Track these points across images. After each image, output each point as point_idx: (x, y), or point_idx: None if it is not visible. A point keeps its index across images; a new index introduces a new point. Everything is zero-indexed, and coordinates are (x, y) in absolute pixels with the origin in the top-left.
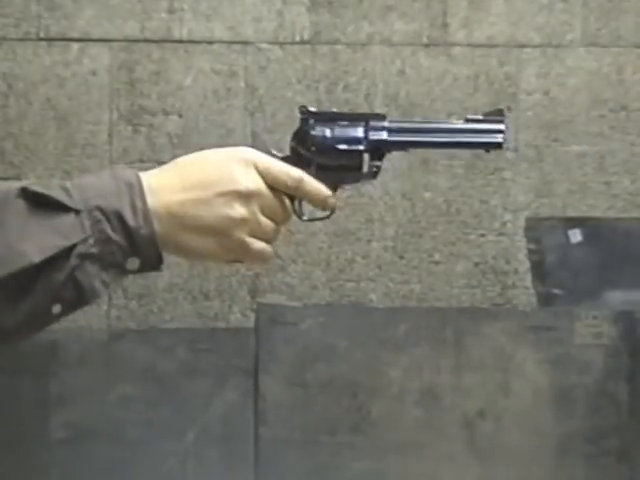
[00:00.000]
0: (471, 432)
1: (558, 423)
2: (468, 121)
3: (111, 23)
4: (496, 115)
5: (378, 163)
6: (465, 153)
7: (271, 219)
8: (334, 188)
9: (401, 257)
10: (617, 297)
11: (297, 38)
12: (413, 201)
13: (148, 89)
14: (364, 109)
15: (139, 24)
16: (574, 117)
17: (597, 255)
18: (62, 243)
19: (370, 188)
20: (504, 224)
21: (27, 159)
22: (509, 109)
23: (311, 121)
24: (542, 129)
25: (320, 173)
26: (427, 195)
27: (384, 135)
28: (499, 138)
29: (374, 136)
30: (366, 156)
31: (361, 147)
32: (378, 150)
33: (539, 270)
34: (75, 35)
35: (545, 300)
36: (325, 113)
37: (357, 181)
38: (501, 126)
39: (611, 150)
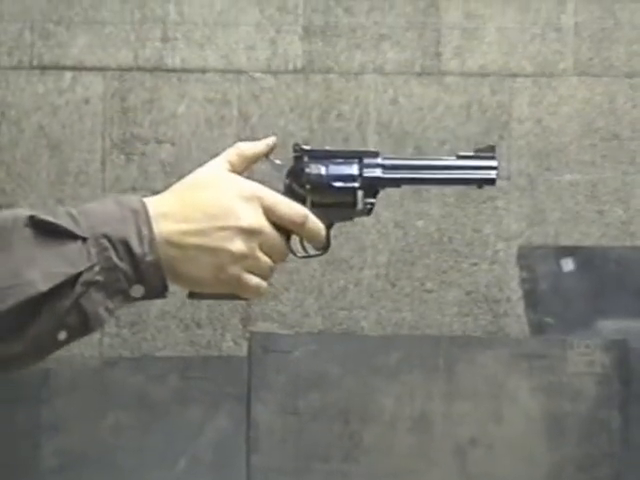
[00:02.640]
0: (463, 460)
1: (550, 451)
2: (460, 157)
3: (104, 51)
4: (488, 151)
5: (372, 200)
6: (457, 187)
7: (269, 256)
8: (328, 225)
9: (393, 285)
10: (609, 325)
11: (290, 67)
12: (405, 229)
13: (141, 117)
14: (356, 138)
15: (132, 52)
16: (566, 146)
17: (589, 283)
18: (69, 271)
19: (363, 217)
20: (496, 252)
21: (19, 187)
22: (501, 138)
23: (305, 159)
24: (534, 158)
25: (314, 210)
26: (419, 223)
27: (378, 172)
28: (492, 174)
29: (368, 173)
30: (360, 193)
31: (356, 184)
32: (372, 187)
33: (531, 298)
34: (68, 63)
35: (537, 328)
36: (319, 151)
37: (351, 218)
38: (493, 162)
39: (603, 179)
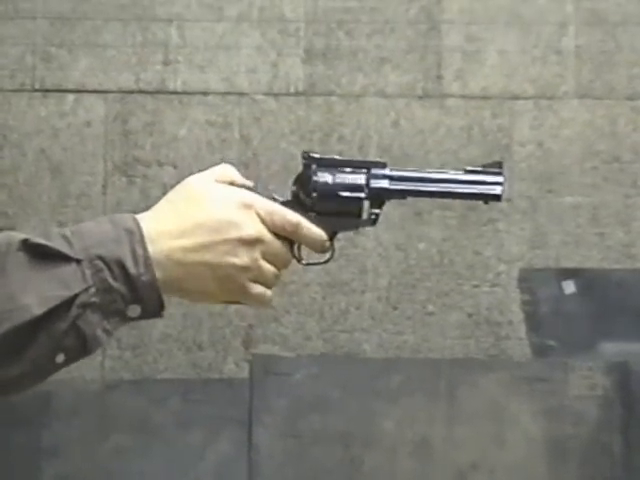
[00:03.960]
0: None
1: (552, 474)
2: (468, 172)
3: (106, 74)
4: (495, 167)
5: (378, 211)
6: (460, 204)
7: (272, 264)
8: (333, 233)
9: (395, 308)
10: (611, 348)
11: (292, 89)
12: (407, 252)
13: (142, 140)
14: None
15: (134, 75)
16: (568, 168)
17: (591, 306)
18: (64, 293)
19: (363, 239)
20: (498, 275)
21: (21, 210)
22: (503, 160)
23: (313, 167)
24: (536, 180)
25: (320, 218)
26: (421, 246)
27: (385, 183)
28: (498, 190)
29: (375, 184)
30: (366, 203)
31: (362, 194)
32: (379, 198)
33: (533, 321)
34: (70, 86)
35: (539, 351)
36: (327, 159)
37: (356, 228)
38: (500, 178)
39: (604, 201)
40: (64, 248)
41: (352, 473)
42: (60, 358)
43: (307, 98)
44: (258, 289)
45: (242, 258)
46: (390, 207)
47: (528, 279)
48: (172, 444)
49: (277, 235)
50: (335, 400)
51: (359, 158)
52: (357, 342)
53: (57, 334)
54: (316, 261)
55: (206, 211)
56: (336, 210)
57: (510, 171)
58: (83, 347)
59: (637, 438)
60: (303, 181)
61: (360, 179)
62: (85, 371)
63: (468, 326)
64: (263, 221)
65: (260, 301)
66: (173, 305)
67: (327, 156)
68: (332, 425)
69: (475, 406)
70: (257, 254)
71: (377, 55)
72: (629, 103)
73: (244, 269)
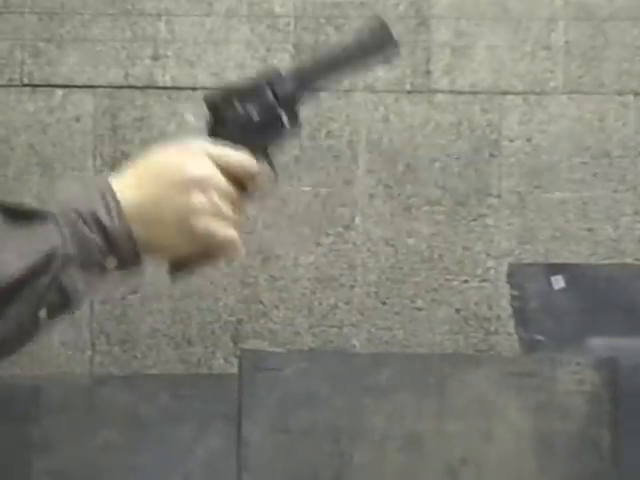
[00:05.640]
0: (453, 479)
1: (540, 469)
2: (357, 40)
3: (95, 69)
4: (380, 29)
5: (295, 113)
6: (449, 199)
7: (230, 204)
8: (266, 154)
9: (384, 303)
10: (600, 343)
11: None
12: (396, 247)
13: (131, 135)
14: (347, 156)
15: (123, 70)
16: (556, 164)
17: (580, 301)
18: (42, 248)
19: (353, 234)
20: (487, 270)
21: None
22: (492, 156)
23: (221, 106)
24: (524, 176)
25: (249, 148)
26: (410, 241)
27: (289, 87)
28: (392, 39)
29: (282, 92)
30: (283, 113)
31: (276, 108)
32: (290, 102)
33: (522, 316)
34: (59, 81)
35: (528, 346)
36: (227, 95)
37: (285, 140)
38: (387, 30)
39: (593, 197)
40: (38, 207)
41: (341, 468)
42: (43, 314)
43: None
44: (223, 230)
45: (195, 198)
46: (379, 202)
47: (517, 274)
48: (161, 439)
49: (231, 175)
50: (324, 395)
51: (253, 78)
52: (346, 337)
53: (39, 290)
54: (262, 193)
55: (159, 163)
56: (261, 134)
57: (499, 166)
58: (65, 301)
59: (625, 432)
60: (219, 126)
61: (267, 95)
62: (74, 366)
63: (457, 321)
64: (218, 161)
65: (229, 245)
66: (162, 300)
67: (225, 90)
68: (321, 420)
69: (464, 401)
70: (211, 193)
71: None
72: (618, 98)
73: (200, 208)
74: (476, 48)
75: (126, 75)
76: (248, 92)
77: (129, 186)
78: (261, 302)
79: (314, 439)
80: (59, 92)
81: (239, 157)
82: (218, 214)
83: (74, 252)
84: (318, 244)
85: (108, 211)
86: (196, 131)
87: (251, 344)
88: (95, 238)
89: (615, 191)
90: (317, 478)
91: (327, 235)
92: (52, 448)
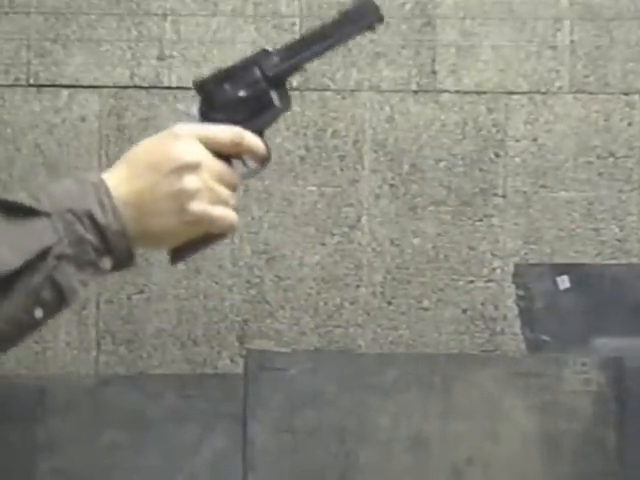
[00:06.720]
0: (459, 479)
1: (546, 469)
2: (341, 14)
3: (101, 70)
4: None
5: (284, 90)
6: (454, 200)
7: (224, 184)
8: (260, 134)
9: (389, 303)
10: (605, 344)
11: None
12: (401, 247)
13: (137, 135)
14: (352, 155)
15: (129, 71)
16: (562, 164)
17: (585, 301)
18: (38, 246)
19: (359, 234)
20: (492, 270)
21: None
22: (497, 155)
23: (211, 89)
24: (530, 176)
25: (242, 126)
26: (415, 241)
27: (277, 65)
28: (374, 7)
29: (270, 71)
30: (273, 92)
31: (265, 86)
32: (279, 80)
33: (528, 316)
34: (65, 81)
35: (534, 346)
36: (215, 77)
37: (277, 117)
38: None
39: (599, 197)
40: (33, 204)
41: (347, 468)
42: (38, 313)
43: (301, 93)
44: (219, 210)
45: (189, 182)
46: (385, 202)
47: (523, 274)
48: (167, 439)
49: (221, 154)
50: (330, 395)
51: (241, 59)
52: (352, 337)
53: (34, 287)
54: (255, 168)
55: (149, 152)
56: (252, 112)
57: (504, 166)
58: (60, 299)
59: (631, 433)
60: (208, 108)
61: (255, 75)
62: (79, 366)
63: (463, 321)
64: (206, 141)
65: (226, 222)
66: (168, 300)
67: (214, 73)
68: (327, 420)
69: (470, 401)
70: (204, 175)
71: (372, 50)
72: (624, 98)
73: (195, 193)
74: (482, 48)
75: (132, 75)
76: (237, 73)
77: (122, 181)
78: (267, 302)
79: (320, 439)
80: (65, 92)
81: (227, 132)
82: (213, 196)
83: (69, 250)
84: (323, 244)
85: (103, 210)
86: (187, 118)
87: (257, 344)
88: (91, 239)
89: (621, 191)
90: (323, 478)
91: (333, 235)
92: (57, 448)
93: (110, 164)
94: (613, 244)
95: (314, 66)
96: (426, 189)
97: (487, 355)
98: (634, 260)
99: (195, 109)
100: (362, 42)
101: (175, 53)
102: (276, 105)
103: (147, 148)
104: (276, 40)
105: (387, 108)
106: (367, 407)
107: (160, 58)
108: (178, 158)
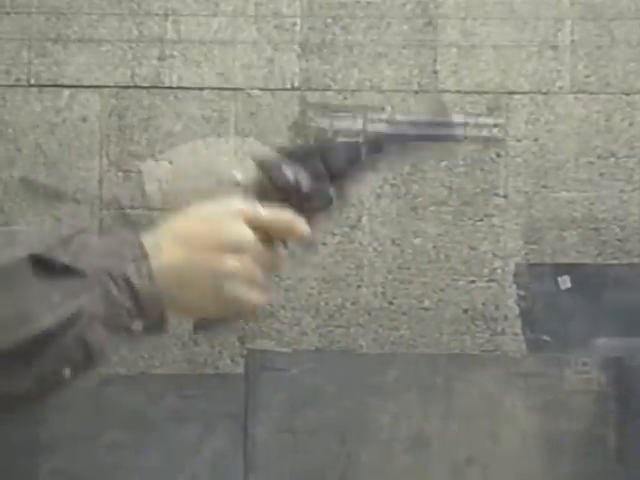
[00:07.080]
0: (460, 479)
1: (547, 469)
2: (467, 115)
3: (101, 70)
4: (494, 110)
5: (377, 155)
6: (455, 199)
7: (263, 267)
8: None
9: (390, 303)
10: (606, 344)
11: (287, 84)
12: (402, 247)
13: (138, 135)
14: None
15: (129, 70)
16: (563, 164)
17: (586, 301)
18: (72, 307)
19: (359, 234)
20: (493, 270)
21: (17, 205)
22: (498, 155)
23: (271, 169)
24: (531, 175)
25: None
26: (416, 241)
27: (383, 127)
28: (498, 132)
29: (334, 166)
30: (364, 148)
31: (326, 184)
32: (376, 143)
33: (528, 316)
34: (66, 81)
35: (534, 347)
36: (278, 157)
37: (329, 212)
38: (500, 120)
39: (600, 197)
40: (69, 262)
41: (348, 468)
42: (67, 372)
43: (303, 93)
44: (253, 294)
45: (230, 263)
46: (386, 202)
47: (524, 274)
48: (168, 439)
49: (267, 237)
50: (331, 395)
51: (305, 144)
52: (353, 337)
53: (64, 347)
54: (297, 253)
55: (195, 224)
56: (308, 205)
57: (506, 166)
58: (89, 361)
59: (632, 432)
60: (268, 187)
61: (318, 167)
62: None
63: (464, 321)
64: (254, 222)
65: (252, 307)
66: None
67: (276, 153)
68: (328, 420)
69: (470, 401)
70: (246, 258)
71: (373, 50)
72: (625, 98)
73: (233, 274)
74: (483, 48)
75: (133, 75)
76: (299, 159)
77: (162, 248)
78: (268, 302)
79: (320, 439)
80: (66, 92)
81: (282, 219)
82: (251, 280)
83: (102, 312)
84: (324, 244)
85: (140, 275)
86: (240, 189)
87: (258, 344)
88: (124, 301)
89: (622, 191)
90: (323, 478)
91: (333, 235)
92: (58, 448)
93: (111, 164)
94: (614, 244)
95: (315, 66)
96: (427, 189)
97: (488, 355)
98: (635, 260)
99: (250, 182)
100: (363, 42)
101: (176, 53)
102: (332, 202)
103: (193, 218)
104: (277, 40)
105: (388, 108)
106: (368, 407)
107: (161, 58)
108: (223, 236)
